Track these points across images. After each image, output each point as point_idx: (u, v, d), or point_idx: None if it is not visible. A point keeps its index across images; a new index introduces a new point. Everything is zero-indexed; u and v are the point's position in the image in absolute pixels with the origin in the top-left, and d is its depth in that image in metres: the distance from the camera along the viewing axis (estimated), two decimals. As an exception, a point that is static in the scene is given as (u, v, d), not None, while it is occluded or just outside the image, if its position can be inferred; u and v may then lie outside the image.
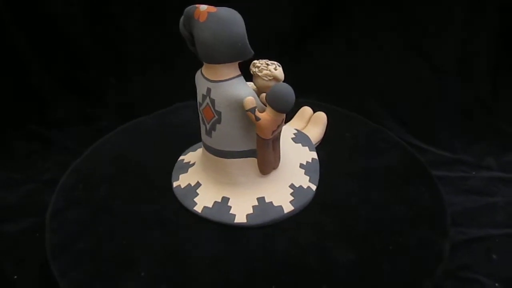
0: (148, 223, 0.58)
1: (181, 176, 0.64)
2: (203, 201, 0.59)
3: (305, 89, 0.84)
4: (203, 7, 0.50)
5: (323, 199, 0.61)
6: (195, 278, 0.50)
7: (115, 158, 0.70)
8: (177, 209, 0.60)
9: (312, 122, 0.72)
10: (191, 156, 0.67)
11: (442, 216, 0.59)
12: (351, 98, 0.92)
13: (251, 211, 0.57)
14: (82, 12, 0.87)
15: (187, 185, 0.61)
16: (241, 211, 0.57)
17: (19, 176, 0.78)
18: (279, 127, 0.54)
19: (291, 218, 0.58)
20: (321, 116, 0.72)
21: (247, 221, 0.56)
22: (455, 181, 0.77)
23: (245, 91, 0.52)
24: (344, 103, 0.85)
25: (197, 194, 0.60)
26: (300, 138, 0.68)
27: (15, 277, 0.60)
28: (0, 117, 0.87)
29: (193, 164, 0.64)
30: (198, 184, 0.61)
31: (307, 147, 0.66)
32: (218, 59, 0.51)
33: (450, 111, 0.93)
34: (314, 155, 0.66)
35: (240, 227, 0.56)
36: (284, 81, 0.56)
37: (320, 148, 0.71)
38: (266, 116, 0.52)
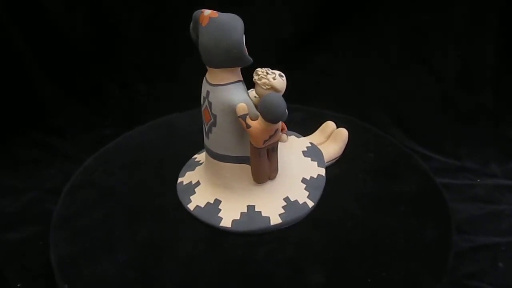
0: (143, 213, 0.60)
1: (187, 173, 0.66)
2: (197, 200, 0.60)
3: (308, 96, 0.84)
4: (207, 12, 0.51)
5: (317, 218, 0.59)
6: (164, 272, 0.52)
7: (141, 149, 0.74)
8: (174, 205, 0.62)
9: (332, 138, 0.70)
10: (203, 155, 0.68)
11: (444, 257, 0.53)
12: (354, 106, 0.90)
13: (238, 217, 0.57)
14: (84, 19, 0.89)
15: (189, 183, 0.63)
16: (228, 215, 0.57)
17: (21, 184, 0.78)
18: (271, 137, 0.54)
19: (278, 231, 0.57)
20: (342, 133, 0.69)
21: (231, 226, 0.56)
22: (460, 189, 0.77)
23: (239, 97, 0.53)
24: (348, 110, 0.83)
25: (195, 192, 0.61)
26: (311, 152, 0.66)
27: (19, 285, 0.60)
28: (2, 124, 0.87)
29: (201, 163, 0.66)
30: (197, 183, 0.62)
31: (316, 162, 0.64)
32: (216, 63, 0.52)
33: (454, 118, 0.92)
34: (321, 171, 0.64)
35: (224, 231, 0.57)
36: (286, 90, 0.56)
37: (337, 165, 0.69)
38: (257, 124, 0.52)
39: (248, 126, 0.52)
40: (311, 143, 0.68)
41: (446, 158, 0.85)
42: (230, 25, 0.50)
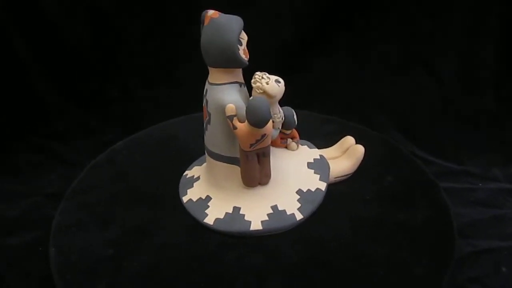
0: (144, 198, 0.64)
1: (194, 167, 0.68)
2: (192, 194, 0.62)
3: (309, 100, 0.83)
4: (210, 12, 0.53)
5: (302, 232, 0.57)
6: (137, 254, 0.54)
7: (168, 139, 0.78)
8: (174, 195, 0.64)
9: (346, 154, 0.67)
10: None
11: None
12: (356, 110, 0.90)
13: (222, 216, 0.57)
14: (85, 25, 0.89)
15: (191, 177, 0.65)
16: (214, 213, 0.58)
17: (22, 189, 0.77)
18: (258, 142, 0.53)
19: (257, 237, 0.56)
20: (357, 150, 0.66)
21: (213, 224, 0.57)
22: (462, 193, 0.77)
23: (230, 98, 0.53)
24: (349, 115, 0.82)
25: (192, 186, 0.63)
26: (317, 164, 0.64)
27: None
28: (3, 129, 0.86)
29: (209, 160, 0.67)
30: (197, 178, 0.64)
31: (318, 176, 0.62)
32: (212, 63, 0.53)
33: (455, 122, 0.92)
34: (322, 185, 0.61)
35: (206, 228, 0.58)
36: (285, 94, 0.55)
37: (347, 182, 0.66)
38: (242, 127, 0.52)
39: (235, 128, 0.53)
40: (321, 155, 0.65)
41: (448, 162, 0.85)
42: (226, 26, 0.51)
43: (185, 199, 0.62)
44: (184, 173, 0.67)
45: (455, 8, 0.87)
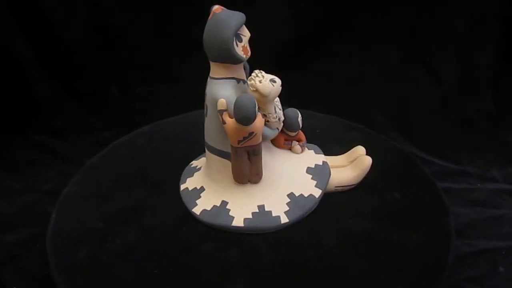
0: (149, 181, 0.66)
1: (202, 158, 0.69)
2: (190, 183, 0.63)
3: (308, 100, 0.80)
4: (215, 7, 0.54)
5: (283, 236, 0.56)
6: (122, 233, 0.57)
7: (189, 128, 0.80)
8: (175, 182, 0.66)
9: (353, 164, 0.64)
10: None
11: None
12: (354, 110, 0.90)
13: (209, 208, 0.58)
14: (84, 21, 0.89)
15: (195, 166, 0.67)
16: (203, 204, 0.59)
17: (20, 186, 0.77)
18: (246, 139, 0.53)
19: (238, 234, 0.56)
20: (363, 161, 0.63)
21: (199, 214, 0.58)
22: (460, 193, 0.78)
23: (223, 93, 0.54)
24: (347, 114, 0.82)
25: (192, 176, 0.65)
26: (317, 171, 0.62)
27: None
28: (1, 125, 0.86)
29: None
30: (199, 169, 0.65)
31: (315, 182, 0.60)
32: (210, 57, 0.54)
33: (454, 122, 0.93)
34: (316, 192, 0.59)
35: (193, 218, 0.59)
36: (283, 93, 0.54)
37: (349, 194, 0.63)
38: (231, 123, 0.53)
39: (224, 122, 0.53)
40: (324, 161, 0.63)
41: (446, 162, 0.86)
42: (224, 21, 0.51)
43: (182, 187, 0.63)
44: (191, 162, 0.69)
45: (454, 8, 0.88)
